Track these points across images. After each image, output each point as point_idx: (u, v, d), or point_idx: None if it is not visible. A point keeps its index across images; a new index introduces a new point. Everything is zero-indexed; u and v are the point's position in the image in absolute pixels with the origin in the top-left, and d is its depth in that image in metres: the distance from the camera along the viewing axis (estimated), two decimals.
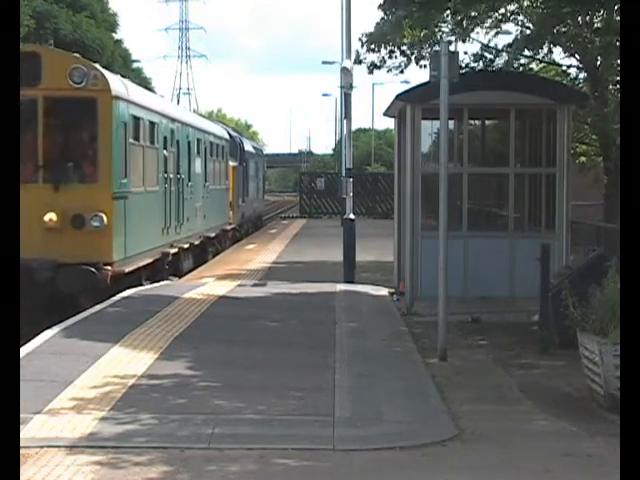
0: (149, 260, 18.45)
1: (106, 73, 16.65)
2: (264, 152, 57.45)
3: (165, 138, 20.61)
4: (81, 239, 15.71)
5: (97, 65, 16.74)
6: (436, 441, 7.98)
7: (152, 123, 19.30)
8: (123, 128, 16.90)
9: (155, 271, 19.14)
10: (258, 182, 45.72)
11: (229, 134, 33.96)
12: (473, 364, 11.33)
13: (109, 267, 15.85)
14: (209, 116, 62.64)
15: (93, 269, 15.51)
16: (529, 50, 22.30)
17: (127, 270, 16.67)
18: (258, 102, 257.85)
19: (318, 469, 7.22)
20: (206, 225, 26.17)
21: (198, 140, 25.17)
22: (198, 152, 25.16)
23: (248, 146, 41.45)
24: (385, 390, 9.69)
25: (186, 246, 22.42)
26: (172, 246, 20.83)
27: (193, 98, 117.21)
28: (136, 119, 17.88)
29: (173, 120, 21.74)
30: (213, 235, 27.28)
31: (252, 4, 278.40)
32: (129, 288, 16.58)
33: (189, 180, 23.44)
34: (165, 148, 20.59)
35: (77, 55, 17.39)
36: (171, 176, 21.04)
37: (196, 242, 24.15)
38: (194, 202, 24.15)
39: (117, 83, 17.11)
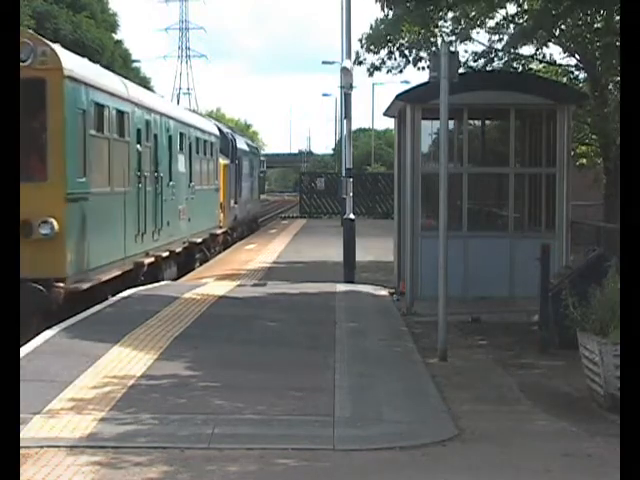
0: (117, 272, 16.03)
1: (58, 49, 14.06)
2: (260, 150, 53.46)
3: (139, 130, 18.13)
4: (27, 250, 12.02)
5: (49, 41, 14.12)
6: (436, 441, 7.98)
7: (121, 112, 16.80)
8: (81, 116, 14.50)
9: (126, 285, 16.55)
10: (253, 182, 43.17)
11: (219, 130, 31.56)
12: (473, 364, 11.33)
13: (61, 284, 13.41)
14: (209, 116, 62.29)
15: (41, 287, 13.07)
16: (525, 41, 22.17)
17: (85, 287, 14.20)
18: (258, 102, 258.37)
19: (318, 469, 7.22)
20: (191, 229, 23.64)
21: (181, 135, 22.67)
22: (181, 148, 22.63)
23: (241, 143, 39.00)
24: (385, 390, 9.69)
25: (166, 254, 19.94)
26: (148, 255, 18.45)
27: (193, 98, 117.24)
28: (100, 106, 15.46)
29: (150, 110, 19.21)
30: (200, 240, 24.71)
31: (252, 4, 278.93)
32: (91, 307, 14.25)
33: (170, 179, 21.00)
34: (139, 142, 18.07)
35: (28, 30, 14.67)
36: (147, 174, 18.58)
37: (178, 249, 21.60)
38: (176, 204, 21.73)
39: (72, 62, 14.66)
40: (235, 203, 34.54)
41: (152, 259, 18.61)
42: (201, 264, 24.97)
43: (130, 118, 17.47)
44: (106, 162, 16.05)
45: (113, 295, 15.72)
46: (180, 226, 22.23)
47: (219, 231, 29.46)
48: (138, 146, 18.06)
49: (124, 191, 17.07)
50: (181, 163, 22.66)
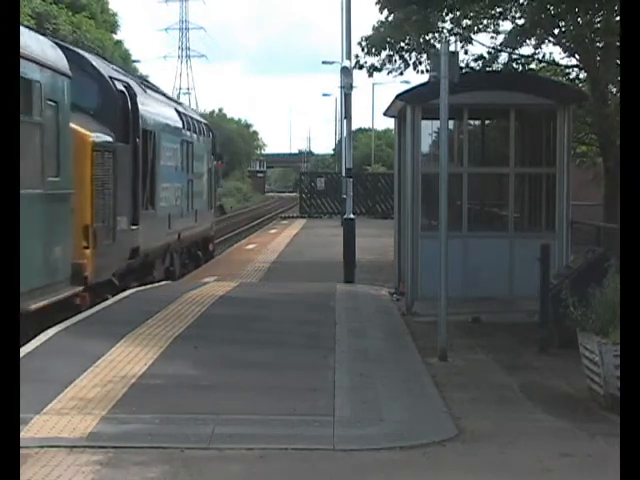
0: None
1: None
2: (215, 132, 30.48)
3: None
4: None
5: None
6: (436, 441, 7.98)
7: None
8: None
9: None
10: (192, 181, 23.70)
11: (81, 61, 16.42)
12: (473, 364, 11.33)
13: None
14: (210, 116, 61.43)
15: None
16: (523, 40, 22.10)
17: None
18: (258, 102, 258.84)
19: (318, 469, 7.22)
20: None
21: None
22: None
23: (155, 106, 20.22)
24: (385, 390, 9.68)
25: None
26: None
27: (193, 98, 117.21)
28: None
29: None
30: None
31: (252, 4, 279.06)
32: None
33: None
34: None
35: None
36: None
37: None
38: None
39: None
40: (134, 224, 17.52)
41: None
42: None
43: None
44: None
45: None
46: None
47: (69, 292, 13.76)
48: None
49: None
50: None
